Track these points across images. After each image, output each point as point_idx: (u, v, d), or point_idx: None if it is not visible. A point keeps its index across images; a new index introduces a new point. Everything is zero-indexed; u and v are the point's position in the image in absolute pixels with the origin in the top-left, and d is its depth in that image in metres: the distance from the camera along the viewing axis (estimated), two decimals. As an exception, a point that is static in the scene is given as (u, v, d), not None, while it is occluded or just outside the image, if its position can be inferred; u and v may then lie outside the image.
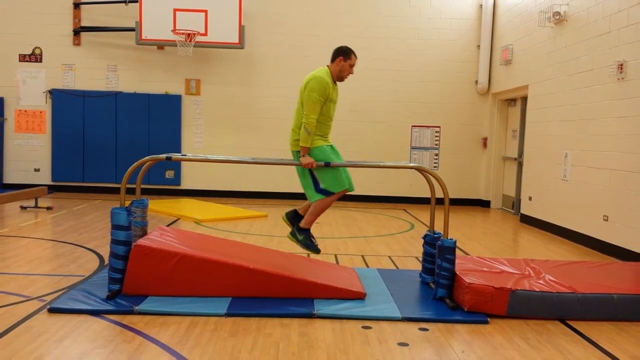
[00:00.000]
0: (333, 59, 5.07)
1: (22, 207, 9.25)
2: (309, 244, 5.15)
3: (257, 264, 4.82)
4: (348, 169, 5.21)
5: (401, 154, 12.06)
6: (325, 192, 4.98)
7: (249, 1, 11.60)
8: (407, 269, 6.09)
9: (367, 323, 4.31)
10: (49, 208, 9.34)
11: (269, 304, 4.56)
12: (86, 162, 11.91)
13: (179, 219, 8.96)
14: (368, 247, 7.36)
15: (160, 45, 11.63)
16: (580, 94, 8.09)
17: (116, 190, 5.52)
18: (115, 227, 4.62)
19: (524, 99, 10.50)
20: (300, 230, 5.15)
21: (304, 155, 4.90)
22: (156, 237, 4.96)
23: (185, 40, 10.94)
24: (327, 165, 4.88)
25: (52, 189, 11.53)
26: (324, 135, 5.07)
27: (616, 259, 6.98)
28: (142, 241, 4.71)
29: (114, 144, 11.89)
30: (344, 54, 5.04)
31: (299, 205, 5.31)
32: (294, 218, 5.25)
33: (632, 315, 4.59)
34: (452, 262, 4.80)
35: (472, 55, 12.01)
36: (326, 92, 4.89)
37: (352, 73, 5.12)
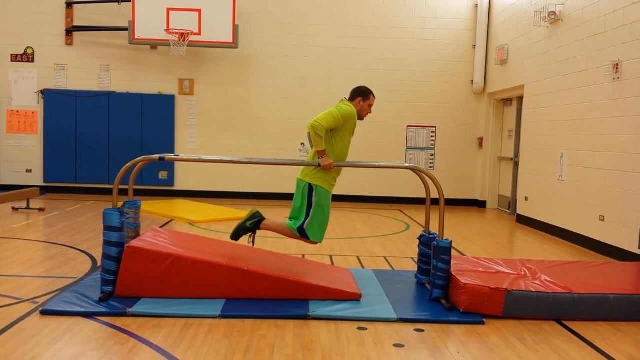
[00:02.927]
0: (352, 99, 5.08)
1: (14, 209, 9.18)
2: (241, 233, 5.06)
3: (251, 265, 4.79)
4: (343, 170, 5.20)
5: (397, 154, 12.05)
6: (302, 233, 4.97)
7: (243, 1, 11.56)
8: (402, 270, 6.07)
9: (363, 324, 4.28)
10: (41, 209, 9.28)
11: (264, 305, 4.53)
12: (78, 163, 11.84)
13: (172, 220, 8.91)
14: (363, 247, 7.33)
15: (154, 44, 11.58)
16: (575, 94, 8.08)
17: (109, 191, 5.46)
18: (107, 228, 4.58)
19: (520, 99, 10.50)
20: (256, 225, 5.05)
21: (322, 157, 4.86)
22: (149, 239, 4.91)
23: (179, 40, 10.88)
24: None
25: (44, 190, 11.45)
26: (335, 178, 5.04)
27: (612, 259, 6.98)
28: (134, 242, 4.67)
29: (106, 145, 11.83)
30: (363, 95, 5.07)
31: (269, 220, 5.14)
32: (255, 223, 5.07)
33: (628, 315, 4.59)
34: (448, 262, 4.78)
35: (467, 55, 12.00)
36: (350, 120, 4.91)
37: (370, 112, 5.16)
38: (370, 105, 5.12)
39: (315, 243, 5.09)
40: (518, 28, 10.24)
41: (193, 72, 11.92)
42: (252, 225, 5.07)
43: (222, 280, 4.64)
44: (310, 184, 4.94)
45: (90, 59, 11.85)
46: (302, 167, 5.09)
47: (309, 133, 4.85)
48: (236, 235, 5.11)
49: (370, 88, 5.14)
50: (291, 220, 5.04)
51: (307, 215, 4.94)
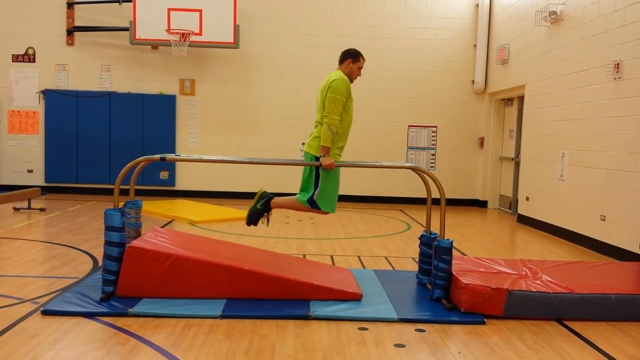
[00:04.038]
0: (341, 61, 5.11)
1: (15, 209, 9.19)
2: (254, 217, 5.08)
3: (252, 265, 4.79)
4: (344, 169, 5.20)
5: (398, 153, 12.04)
6: (313, 204, 4.99)
7: (244, 0, 11.56)
8: (403, 270, 6.06)
9: (364, 324, 4.28)
10: (42, 209, 9.28)
11: (265, 305, 4.53)
12: (80, 163, 11.85)
13: (173, 220, 8.92)
14: (364, 247, 7.33)
15: (155, 45, 11.58)
16: (576, 94, 8.08)
17: (110, 192, 5.47)
18: (108, 228, 4.58)
19: (521, 99, 10.49)
20: (267, 205, 5.07)
21: (324, 156, 4.87)
22: (150, 239, 4.92)
23: (180, 40, 10.89)
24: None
25: (45, 190, 11.46)
26: (343, 145, 5.04)
27: (613, 258, 6.98)
28: (136, 242, 4.67)
29: (107, 145, 11.84)
30: (352, 57, 5.09)
31: (278, 198, 5.16)
32: (265, 203, 5.09)
33: (629, 315, 4.58)
34: (449, 262, 4.77)
35: (468, 55, 12.00)
36: (348, 90, 4.94)
37: (359, 75, 5.17)
38: (360, 68, 5.12)
39: (327, 213, 5.06)
40: (519, 28, 10.24)
41: (194, 72, 11.93)
42: (262, 206, 5.08)
43: (223, 281, 4.64)
44: (317, 156, 4.95)
45: (91, 59, 11.86)
46: (308, 141, 5.10)
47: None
48: (250, 219, 5.11)
49: (359, 50, 5.13)
50: (301, 193, 5.05)
51: (316, 186, 4.95)
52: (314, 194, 4.97)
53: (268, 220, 5.16)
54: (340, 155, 5.06)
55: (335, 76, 4.98)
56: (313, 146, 5.00)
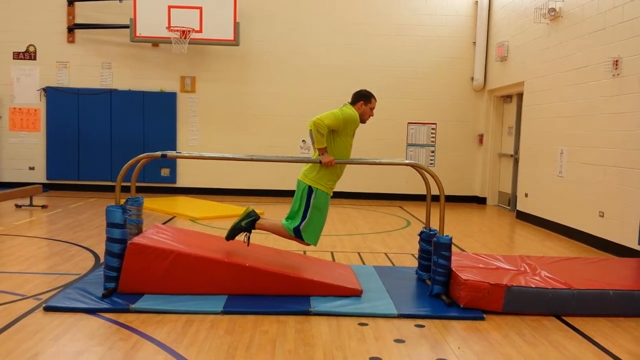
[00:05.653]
0: (354, 102, 5.08)
1: (17, 206, 9.22)
2: (236, 232, 5.06)
3: (253, 261, 4.82)
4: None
5: (397, 150, 12.07)
6: (297, 234, 4.97)
7: (244, -2, 11.59)
8: (403, 266, 6.10)
9: (364, 320, 4.31)
10: (44, 206, 9.32)
11: (265, 301, 4.56)
12: (81, 160, 11.87)
13: (174, 216, 8.95)
14: (364, 244, 7.37)
15: (155, 42, 11.60)
16: (575, 90, 8.10)
17: (111, 188, 5.50)
18: (110, 225, 4.61)
19: (520, 96, 10.51)
20: (252, 224, 5.05)
21: (322, 154, 4.86)
22: (152, 235, 4.95)
23: (180, 37, 10.90)
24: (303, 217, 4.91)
25: (47, 187, 11.50)
26: (335, 182, 5.04)
27: (612, 255, 7.00)
28: (137, 239, 4.70)
29: (108, 142, 11.86)
30: (364, 99, 5.07)
31: (264, 220, 5.16)
32: (250, 222, 5.06)
33: (628, 311, 4.61)
34: (448, 258, 4.80)
35: (467, 52, 12.02)
36: (351, 124, 4.93)
37: (372, 116, 5.16)
38: (372, 109, 5.12)
39: (309, 245, 5.08)
40: (518, 25, 10.25)
41: (194, 70, 11.95)
42: (247, 225, 5.06)
43: (224, 277, 4.67)
44: (310, 186, 4.94)
45: (92, 57, 11.87)
46: (303, 168, 5.10)
47: (310, 130, 4.86)
48: (231, 235, 5.11)
49: (371, 91, 5.14)
50: (288, 220, 5.04)
51: (304, 217, 4.94)
52: (301, 224, 4.95)
53: (248, 240, 5.11)
54: (333, 189, 5.04)
55: (351, 107, 5.00)
56: (308, 176, 4.98)
